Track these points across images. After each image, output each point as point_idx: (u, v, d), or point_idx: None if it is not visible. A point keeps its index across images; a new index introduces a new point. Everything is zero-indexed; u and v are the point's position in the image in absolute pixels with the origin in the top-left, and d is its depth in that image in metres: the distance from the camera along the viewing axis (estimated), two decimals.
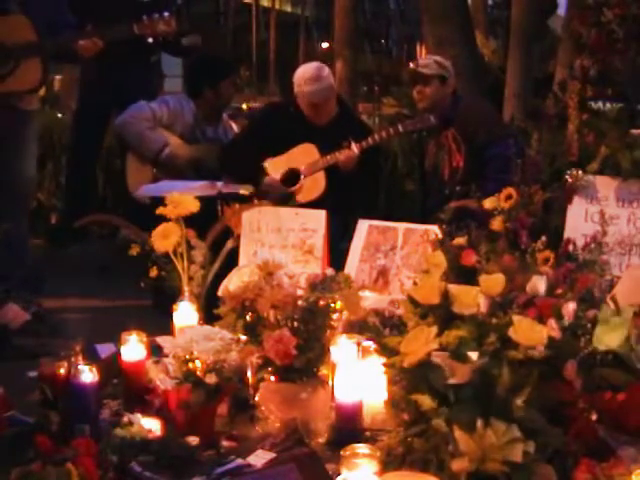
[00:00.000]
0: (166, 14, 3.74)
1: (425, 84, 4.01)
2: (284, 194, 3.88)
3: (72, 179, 5.43)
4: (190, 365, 2.11)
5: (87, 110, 5.13)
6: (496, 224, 2.78)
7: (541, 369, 1.82)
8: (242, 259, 2.93)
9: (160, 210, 2.74)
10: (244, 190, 3.64)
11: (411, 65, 4.20)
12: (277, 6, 24.69)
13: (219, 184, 3.67)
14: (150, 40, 3.76)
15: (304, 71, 4.01)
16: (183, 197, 2.77)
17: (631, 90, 2.90)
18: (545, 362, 1.85)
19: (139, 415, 2.21)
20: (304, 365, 2.20)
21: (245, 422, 2.25)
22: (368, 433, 2.11)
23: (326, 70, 4.04)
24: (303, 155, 3.93)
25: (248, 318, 2.28)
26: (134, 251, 2.85)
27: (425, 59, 4.32)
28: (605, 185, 2.78)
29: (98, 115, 4.97)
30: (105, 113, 4.95)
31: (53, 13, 3.72)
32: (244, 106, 11.22)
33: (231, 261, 2.84)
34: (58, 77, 12.38)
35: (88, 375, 2.12)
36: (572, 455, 1.82)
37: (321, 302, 2.29)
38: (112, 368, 2.43)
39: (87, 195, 5.26)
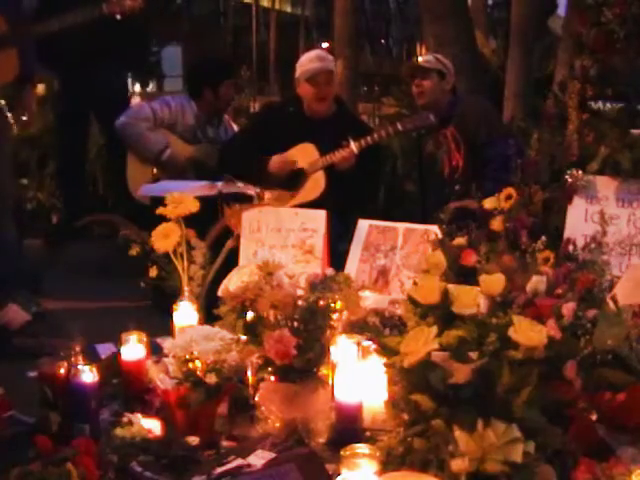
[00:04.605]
0: None
1: (424, 77, 4.02)
2: (295, 173, 3.88)
3: (63, 182, 5.45)
4: (190, 365, 2.11)
5: (64, 112, 5.15)
6: (496, 224, 2.77)
7: (541, 369, 1.82)
8: (242, 259, 2.93)
9: (160, 210, 2.75)
10: (249, 190, 3.64)
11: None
12: (277, 6, 24.68)
13: (219, 184, 3.67)
14: (118, 17, 3.75)
15: (307, 54, 4.09)
16: (183, 197, 2.77)
17: (631, 90, 2.90)
18: (545, 362, 1.85)
19: (139, 415, 2.21)
20: (304, 365, 2.20)
21: (245, 422, 2.25)
22: (368, 433, 2.11)
23: (330, 56, 4.09)
24: (302, 155, 3.93)
25: (248, 318, 2.28)
26: (134, 251, 2.85)
27: (425, 55, 4.34)
28: (605, 185, 2.78)
29: (75, 117, 4.98)
30: (83, 115, 4.98)
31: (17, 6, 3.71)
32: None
33: (231, 261, 2.84)
34: None
35: (88, 375, 2.12)
36: (572, 455, 1.82)
37: (321, 302, 2.29)
38: (112, 368, 2.43)
39: (82, 196, 5.27)
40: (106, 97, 4.62)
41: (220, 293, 2.39)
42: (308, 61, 3.97)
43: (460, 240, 2.70)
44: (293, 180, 3.90)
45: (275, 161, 3.89)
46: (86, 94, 4.74)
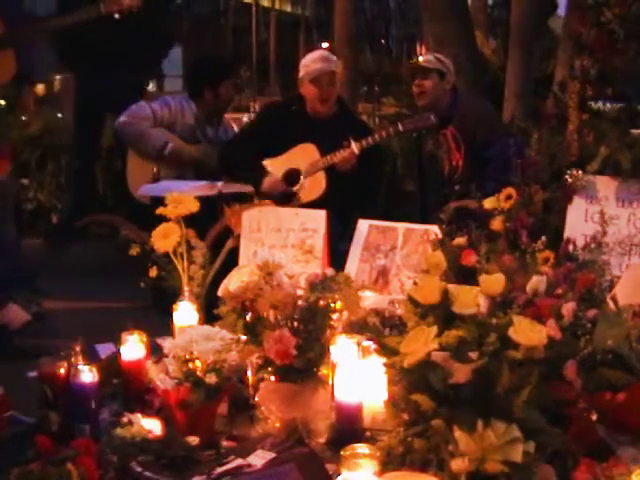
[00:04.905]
0: None
1: (424, 77, 4.02)
2: (286, 193, 3.88)
3: (74, 180, 5.49)
4: (190, 365, 2.11)
5: (82, 113, 5.19)
6: (496, 224, 2.77)
7: (541, 369, 1.82)
8: (242, 259, 2.93)
9: (160, 210, 2.74)
10: (249, 189, 3.65)
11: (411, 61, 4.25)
12: (277, 6, 24.69)
13: (219, 184, 3.67)
14: (117, 16, 3.76)
15: (312, 54, 4.08)
16: (183, 197, 2.77)
17: (631, 90, 2.90)
18: (545, 362, 1.85)
19: (139, 415, 2.21)
20: (304, 365, 2.20)
21: (245, 422, 2.25)
22: (368, 433, 2.11)
23: (333, 57, 4.08)
24: (303, 155, 3.93)
25: (248, 318, 2.28)
26: (134, 251, 2.85)
27: (425, 54, 4.35)
28: (605, 185, 2.78)
29: (91, 117, 5.01)
30: (98, 115, 5.01)
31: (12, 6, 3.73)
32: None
33: (231, 261, 2.84)
34: (58, 77, 12.38)
35: (88, 375, 2.12)
36: (572, 455, 1.82)
37: (321, 302, 2.29)
38: (112, 368, 2.43)
39: (89, 196, 5.30)
40: (124, 98, 4.63)
41: (220, 293, 2.39)
42: (312, 62, 3.97)
43: (460, 240, 2.70)
44: (285, 198, 3.88)
45: (266, 182, 3.89)
46: (104, 95, 4.75)
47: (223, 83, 4.51)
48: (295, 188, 3.90)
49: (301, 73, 3.99)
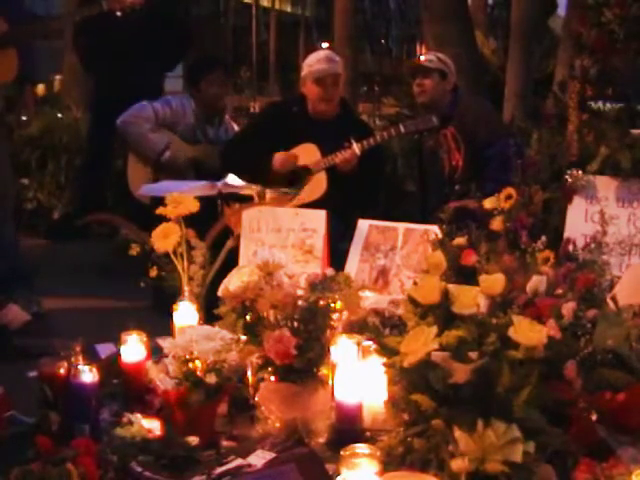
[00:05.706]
0: None
1: (425, 76, 4.02)
2: (298, 172, 3.87)
3: (76, 179, 5.50)
4: (190, 365, 2.11)
5: (99, 113, 5.19)
6: (496, 224, 2.78)
7: (541, 369, 1.82)
8: (242, 259, 2.93)
9: (160, 210, 2.74)
10: (249, 190, 3.64)
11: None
12: (277, 6, 24.71)
13: (219, 184, 3.67)
14: (119, 14, 3.76)
15: (316, 53, 4.06)
16: (183, 197, 2.77)
17: (631, 90, 2.90)
18: (545, 362, 1.85)
19: (139, 415, 2.21)
20: (304, 365, 2.20)
21: (245, 422, 2.25)
22: (368, 433, 2.11)
23: (338, 57, 4.07)
24: (304, 155, 3.93)
25: (248, 318, 2.28)
26: (134, 251, 2.85)
27: (427, 54, 4.34)
28: (605, 185, 2.78)
29: (108, 118, 5.00)
30: (115, 115, 5.00)
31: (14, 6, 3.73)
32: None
33: (231, 261, 2.84)
34: (58, 77, 12.38)
35: (88, 375, 2.12)
36: (572, 455, 1.82)
37: (321, 302, 2.29)
38: (112, 368, 2.43)
39: (92, 195, 5.32)
40: (141, 98, 4.62)
41: (220, 293, 2.39)
42: (316, 62, 3.95)
43: (460, 240, 2.70)
44: (296, 177, 3.89)
45: (278, 157, 3.88)
46: (122, 95, 4.74)
47: (203, 80, 4.50)
48: (310, 166, 3.88)
49: (304, 72, 3.98)
